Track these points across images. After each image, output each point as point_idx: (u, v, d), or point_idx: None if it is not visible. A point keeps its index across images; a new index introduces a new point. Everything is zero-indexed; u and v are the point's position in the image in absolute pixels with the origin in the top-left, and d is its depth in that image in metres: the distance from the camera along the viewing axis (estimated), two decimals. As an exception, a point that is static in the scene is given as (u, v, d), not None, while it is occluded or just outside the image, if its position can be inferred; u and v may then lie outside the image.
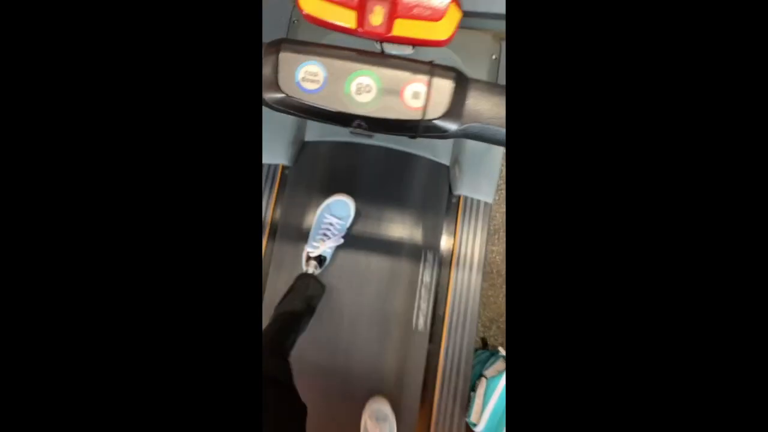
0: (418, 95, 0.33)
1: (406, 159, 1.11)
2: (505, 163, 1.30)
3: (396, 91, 0.33)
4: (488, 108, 0.34)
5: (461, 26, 0.35)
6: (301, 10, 0.33)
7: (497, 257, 1.35)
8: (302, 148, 1.13)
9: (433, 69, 0.34)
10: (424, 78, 0.33)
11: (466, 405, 1.03)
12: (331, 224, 1.02)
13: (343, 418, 1.02)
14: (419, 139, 0.36)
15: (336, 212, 1.05)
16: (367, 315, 1.08)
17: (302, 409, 0.62)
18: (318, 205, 1.07)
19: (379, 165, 1.12)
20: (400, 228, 1.13)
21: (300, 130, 1.12)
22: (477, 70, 1.05)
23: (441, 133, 0.35)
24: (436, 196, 1.14)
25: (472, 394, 1.09)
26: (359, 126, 0.34)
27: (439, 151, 1.13)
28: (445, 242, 1.15)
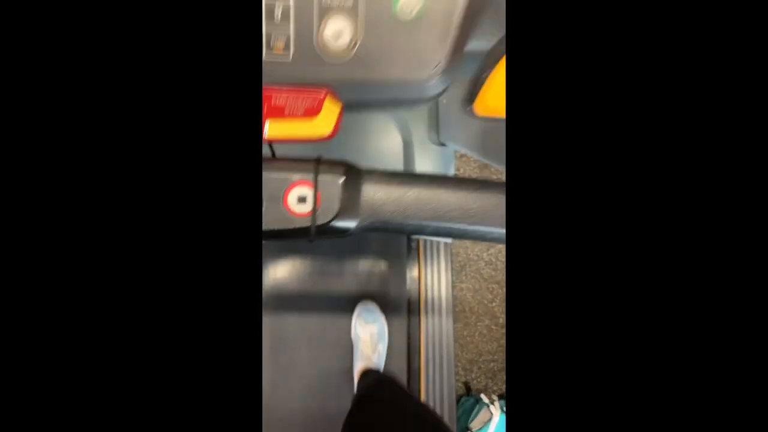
0: (305, 199, 0.30)
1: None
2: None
3: (278, 198, 0.29)
4: (387, 199, 0.31)
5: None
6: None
7: (467, 294, 1.31)
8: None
9: (318, 166, 0.30)
10: (309, 177, 0.30)
11: (455, 464, 0.95)
12: None
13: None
14: None
15: None
16: (336, 376, 1.00)
17: None
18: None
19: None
20: (363, 281, 1.08)
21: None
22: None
23: (341, 234, 0.31)
24: (395, 243, 1.10)
25: (460, 450, 1.01)
26: None
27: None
28: (411, 289, 1.10)
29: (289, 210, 0.29)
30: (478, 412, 1.04)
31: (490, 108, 0.30)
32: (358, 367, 0.96)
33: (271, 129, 0.29)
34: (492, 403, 1.04)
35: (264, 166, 0.30)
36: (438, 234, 0.33)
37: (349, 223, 0.30)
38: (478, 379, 1.26)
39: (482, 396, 1.07)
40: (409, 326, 1.06)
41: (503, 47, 0.28)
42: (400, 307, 1.07)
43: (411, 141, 1.03)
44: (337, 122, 0.30)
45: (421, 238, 1.11)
